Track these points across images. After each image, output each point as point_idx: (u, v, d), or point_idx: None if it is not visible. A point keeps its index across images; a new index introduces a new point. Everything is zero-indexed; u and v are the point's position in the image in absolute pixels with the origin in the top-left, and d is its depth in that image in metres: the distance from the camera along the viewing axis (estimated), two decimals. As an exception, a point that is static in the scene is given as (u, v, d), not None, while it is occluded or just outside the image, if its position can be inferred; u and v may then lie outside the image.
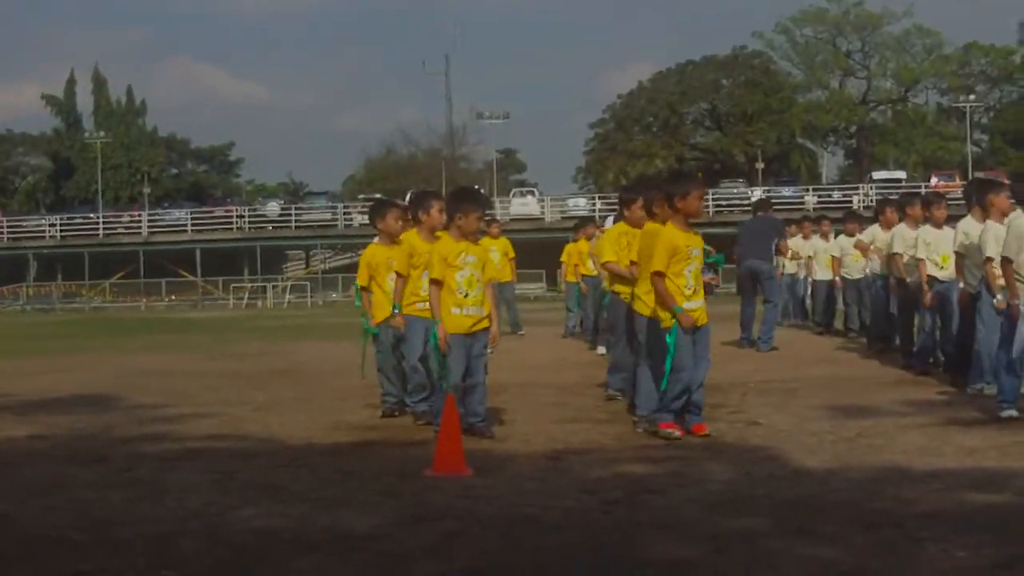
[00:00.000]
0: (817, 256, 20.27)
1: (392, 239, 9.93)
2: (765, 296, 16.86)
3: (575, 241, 20.17)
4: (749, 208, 34.54)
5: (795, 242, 21.07)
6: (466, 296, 8.53)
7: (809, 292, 21.46)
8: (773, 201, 26.38)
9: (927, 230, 12.08)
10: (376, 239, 10.35)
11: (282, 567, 5.12)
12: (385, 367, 9.96)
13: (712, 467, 7.29)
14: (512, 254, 21.68)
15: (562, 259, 21.46)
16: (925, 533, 5.35)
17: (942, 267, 11.81)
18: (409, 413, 9.67)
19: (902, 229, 12.81)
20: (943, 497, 6.27)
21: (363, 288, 10.09)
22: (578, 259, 19.51)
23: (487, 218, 20.87)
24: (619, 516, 5.93)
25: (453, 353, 8.39)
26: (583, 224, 20.47)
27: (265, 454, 8.22)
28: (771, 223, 17.95)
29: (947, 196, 14.87)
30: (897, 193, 35.03)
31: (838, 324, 19.14)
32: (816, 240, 20.71)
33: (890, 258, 13.33)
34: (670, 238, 8.45)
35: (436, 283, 8.53)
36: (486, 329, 8.63)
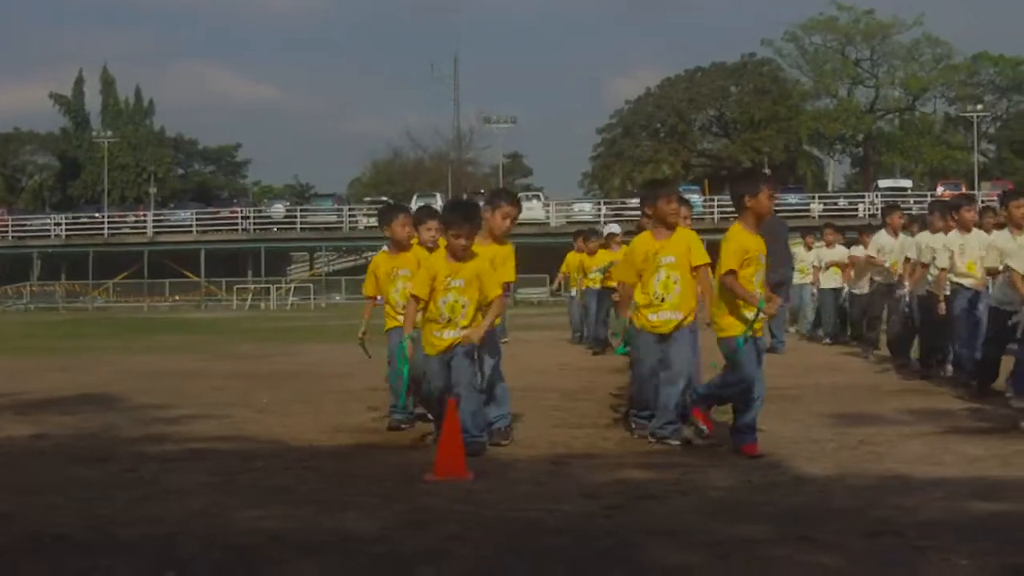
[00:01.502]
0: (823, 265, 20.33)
1: (399, 247, 9.49)
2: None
3: (580, 252, 19.93)
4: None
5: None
6: (448, 322, 8.04)
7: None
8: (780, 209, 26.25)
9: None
10: (384, 247, 9.91)
11: (284, 569, 5.13)
12: (393, 379, 9.51)
13: (713, 474, 7.29)
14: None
15: (562, 269, 21.31)
16: (926, 541, 5.34)
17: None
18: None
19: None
20: (945, 506, 6.27)
21: (367, 297, 9.81)
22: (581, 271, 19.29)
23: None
24: (620, 521, 5.93)
25: (433, 369, 8.04)
26: (590, 235, 20.03)
27: (268, 456, 8.22)
28: (778, 223, 17.66)
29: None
30: (902, 201, 35.00)
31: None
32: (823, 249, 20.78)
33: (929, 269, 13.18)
34: (741, 240, 7.84)
35: (415, 299, 8.10)
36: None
